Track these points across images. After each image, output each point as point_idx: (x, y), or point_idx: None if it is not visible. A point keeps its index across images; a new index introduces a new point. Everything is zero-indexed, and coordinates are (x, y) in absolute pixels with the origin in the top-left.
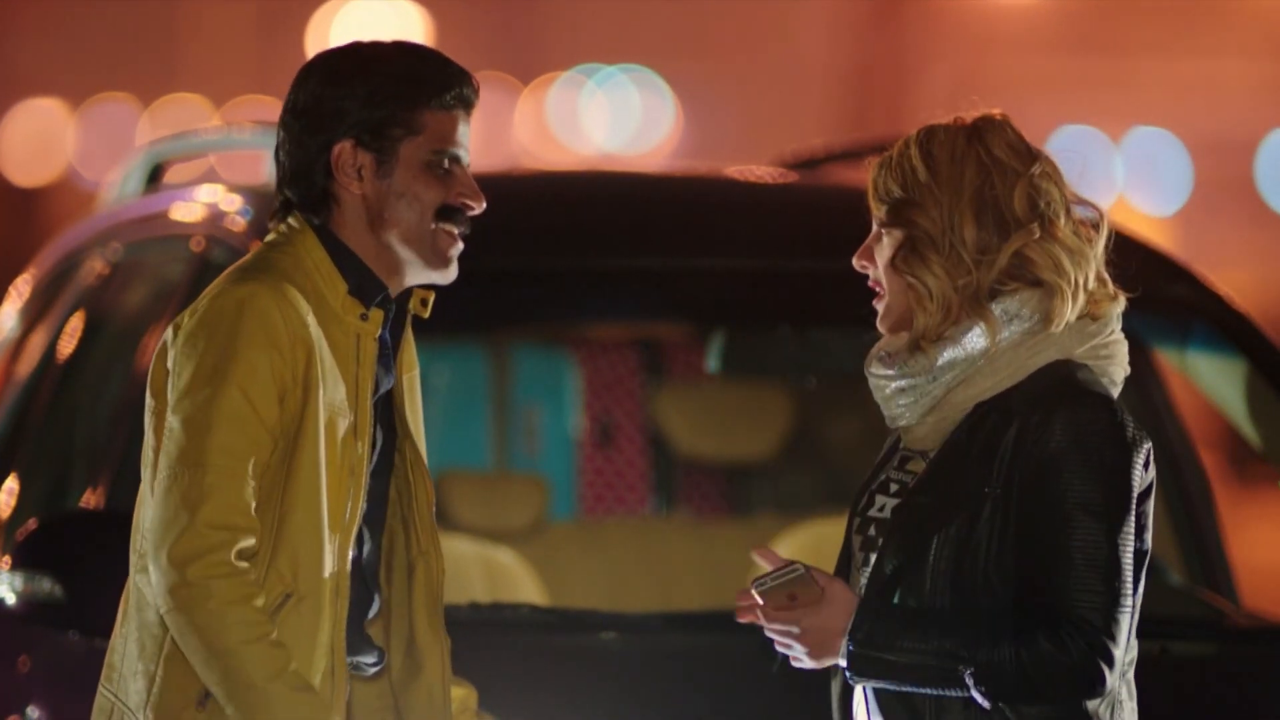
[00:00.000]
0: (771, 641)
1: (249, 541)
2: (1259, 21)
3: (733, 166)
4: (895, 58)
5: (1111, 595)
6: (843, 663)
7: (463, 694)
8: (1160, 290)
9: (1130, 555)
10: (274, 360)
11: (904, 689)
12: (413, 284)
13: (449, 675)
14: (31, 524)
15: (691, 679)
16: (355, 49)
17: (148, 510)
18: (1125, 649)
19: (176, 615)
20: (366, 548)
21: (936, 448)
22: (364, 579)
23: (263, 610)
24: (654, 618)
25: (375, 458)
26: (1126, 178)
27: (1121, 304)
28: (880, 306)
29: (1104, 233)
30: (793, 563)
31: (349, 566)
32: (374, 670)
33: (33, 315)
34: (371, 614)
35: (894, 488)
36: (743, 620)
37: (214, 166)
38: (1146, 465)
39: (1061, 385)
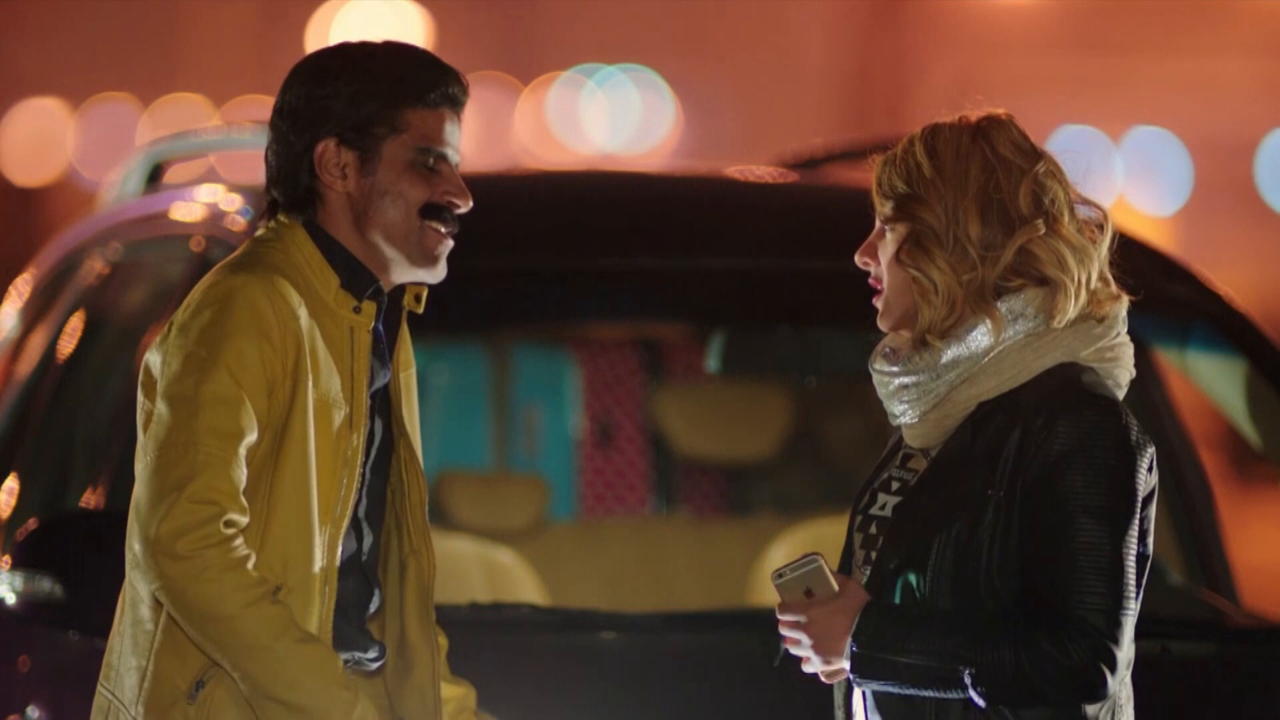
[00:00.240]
0: (771, 640)
1: (237, 516)
2: (1259, 21)
3: (733, 166)
4: (895, 58)
5: (1114, 598)
6: (846, 664)
7: (461, 693)
8: (1161, 290)
9: (1134, 559)
10: (263, 350)
11: (905, 691)
12: (402, 282)
13: (439, 675)
14: (31, 524)
15: (691, 679)
16: (342, 49)
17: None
18: (1127, 652)
19: (171, 591)
20: (367, 542)
21: (938, 446)
22: (364, 573)
23: (256, 572)
24: (654, 618)
25: (374, 453)
26: (1126, 177)
27: (1125, 304)
28: (879, 304)
29: (1108, 233)
30: (812, 554)
31: (339, 560)
32: (375, 665)
33: (33, 315)
34: (372, 609)
35: (895, 486)
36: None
37: (214, 166)
38: (1150, 469)
39: (1067, 388)
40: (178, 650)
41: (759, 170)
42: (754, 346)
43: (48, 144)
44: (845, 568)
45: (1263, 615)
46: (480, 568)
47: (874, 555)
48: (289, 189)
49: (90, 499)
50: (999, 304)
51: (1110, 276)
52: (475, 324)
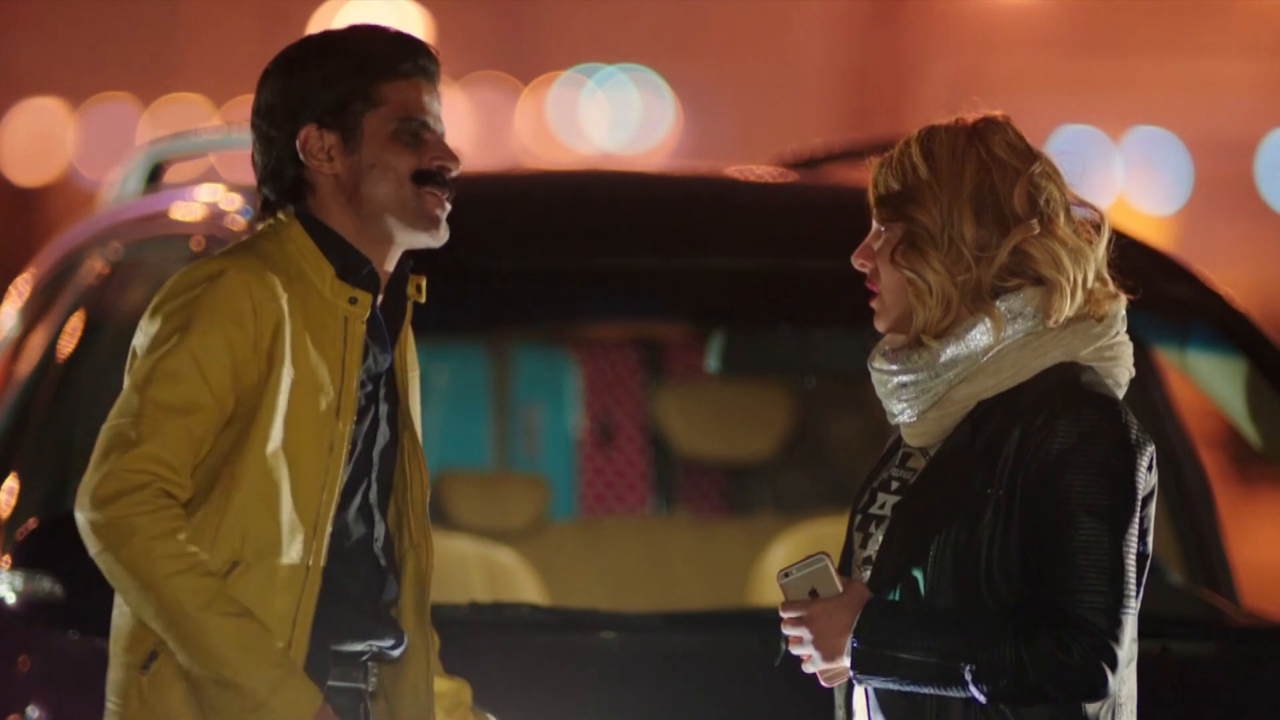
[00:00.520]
0: (771, 640)
1: (174, 488)
2: (1259, 21)
3: (733, 166)
4: (895, 58)
5: (1115, 597)
6: (848, 661)
7: (455, 687)
8: (1161, 290)
9: (1134, 557)
10: (231, 332)
11: (907, 688)
12: (405, 248)
13: (434, 671)
14: (31, 524)
15: (691, 679)
16: (307, 39)
17: None
18: (1127, 651)
19: (105, 555)
20: (379, 529)
21: (937, 445)
22: (377, 560)
23: (191, 543)
24: (654, 617)
25: (382, 440)
26: (1126, 177)
27: (1123, 304)
28: (876, 305)
29: (1105, 234)
30: (818, 554)
31: (326, 543)
32: (397, 653)
33: (33, 315)
34: (388, 596)
35: (895, 485)
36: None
37: (214, 166)
38: (1150, 468)
39: (1066, 387)
40: (136, 621)
41: (759, 170)
42: (754, 346)
43: (48, 144)
44: (845, 567)
45: (1263, 615)
46: (480, 567)
47: (874, 555)
48: (278, 183)
49: None
50: (998, 303)
51: (1108, 276)
52: (475, 324)
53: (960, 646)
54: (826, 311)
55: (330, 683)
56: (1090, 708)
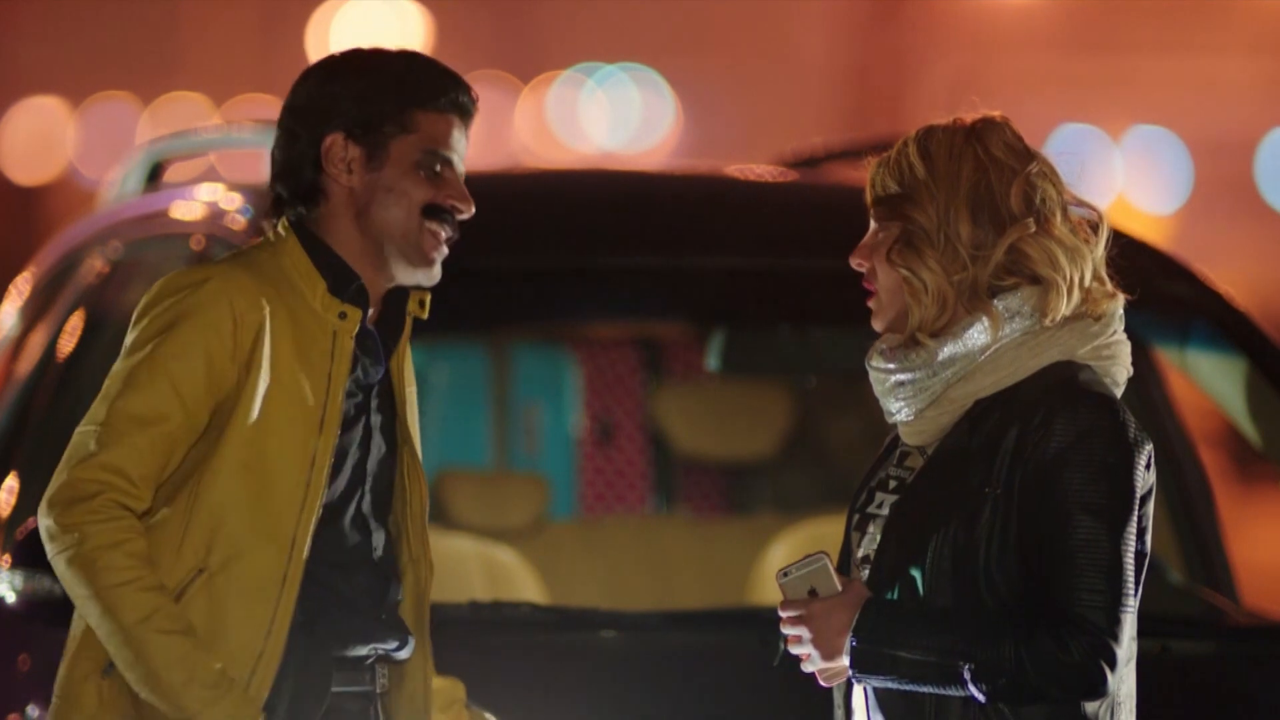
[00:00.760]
0: (771, 639)
1: (129, 499)
2: (1259, 20)
3: (733, 166)
4: (895, 58)
5: (1113, 595)
6: (847, 660)
7: (449, 684)
8: (1160, 289)
9: (1132, 556)
10: (209, 341)
11: (906, 687)
12: (398, 283)
13: (431, 684)
14: (31, 523)
15: (691, 678)
16: (356, 52)
17: None
18: (1126, 649)
19: (56, 559)
20: (378, 538)
21: (935, 444)
22: (376, 568)
23: (138, 556)
24: (654, 616)
25: (378, 451)
26: (1126, 176)
27: (1121, 303)
28: (874, 305)
29: (1103, 233)
30: (817, 554)
31: (306, 553)
32: (403, 655)
33: (33, 314)
34: (392, 600)
35: (893, 484)
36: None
37: (214, 165)
38: (1148, 466)
39: (1064, 386)
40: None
41: (759, 170)
42: (754, 346)
43: (48, 143)
44: (844, 567)
45: (1263, 614)
46: (480, 566)
47: (872, 554)
48: (293, 183)
49: None
50: (996, 302)
51: (1105, 275)
52: (475, 324)
53: (959, 645)
54: (826, 311)
55: (337, 689)
56: (1089, 706)
